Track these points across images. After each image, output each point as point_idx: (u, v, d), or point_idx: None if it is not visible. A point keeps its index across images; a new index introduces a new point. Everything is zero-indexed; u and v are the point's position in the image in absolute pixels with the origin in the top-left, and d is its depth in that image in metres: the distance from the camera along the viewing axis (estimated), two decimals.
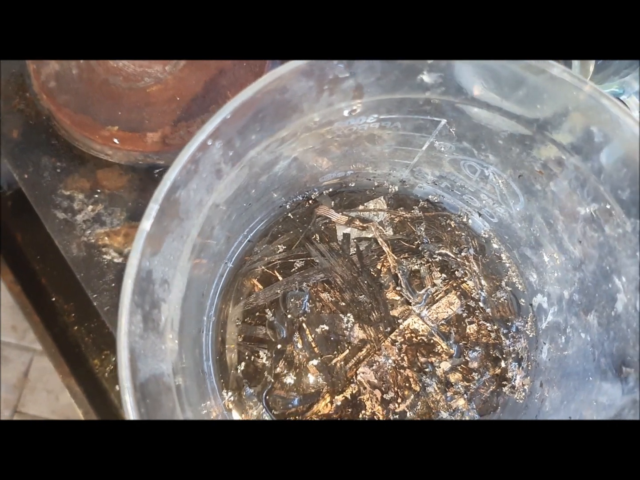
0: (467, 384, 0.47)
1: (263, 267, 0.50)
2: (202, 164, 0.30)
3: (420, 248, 0.50)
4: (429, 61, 0.32)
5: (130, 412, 0.27)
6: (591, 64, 0.64)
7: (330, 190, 0.51)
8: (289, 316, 0.48)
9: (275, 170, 0.40)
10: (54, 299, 0.66)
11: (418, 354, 0.47)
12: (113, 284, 0.52)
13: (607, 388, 0.37)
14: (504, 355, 0.48)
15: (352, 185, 0.51)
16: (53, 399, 1.15)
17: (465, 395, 0.47)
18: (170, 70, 0.53)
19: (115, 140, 0.51)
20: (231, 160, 0.32)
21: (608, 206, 0.35)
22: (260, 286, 0.49)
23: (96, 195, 0.53)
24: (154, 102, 0.52)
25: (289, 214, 0.50)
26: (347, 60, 0.31)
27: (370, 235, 0.51)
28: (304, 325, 0.48)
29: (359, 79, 0.32)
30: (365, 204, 0.51)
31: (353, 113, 0.36)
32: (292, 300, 0.48)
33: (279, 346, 0.47)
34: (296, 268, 0.49)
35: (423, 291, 0.49)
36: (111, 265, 0.52)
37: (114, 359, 0.64)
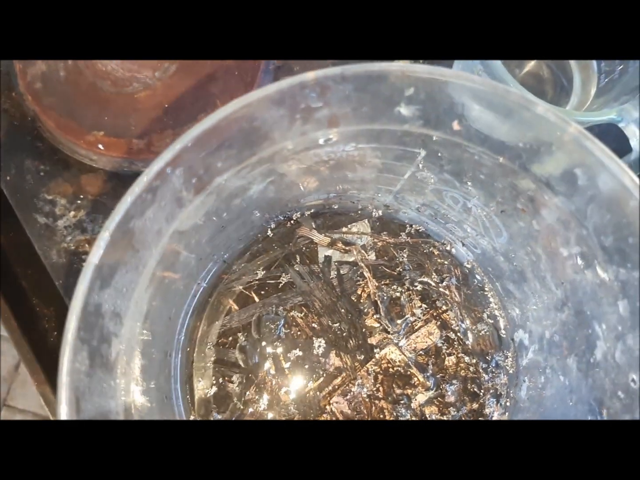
0: (443, 418, 0.45)
1: (240, 288, 0.48)
2: (161, 193, 0.29)
3: (401, 275, 0.48)
4: (407, 93, 0.30)
5: None
6: (593, 88, 0.62)
7: (313, 211, 0.49)
8: (263, 342, 0.46)
9: (249, 194, 0.38)
10: (34, 302, 0.65)
11: (394, 385, 0.46)
12: None
13: None
14: (482, 391, 0.46)
15: (336, 207, 0.49)
16: None
17: None
18: (160, 77, 0.52)
19: (100, 146, 0.50)
20: (194, 188, 0.31)
21: (591, 251, 0.33)
22: (236, 307, 0.48)
23: (79, 201, 0.52)
24: (141, 108, 0.51)
25: (269, 234, 0.49)
26: (321, 89, 0.29)
27: (352, 259, 0.49)
28: (278, 350, 0.46)
29: (333, 109, 0.31)
30: (349, 226, 0.50)
31: (329, 142, 0.34)
32: (267, 324, 0.47)
33: (250, 372, 0.45)
34: (274, 290, 0.48)
35: (402, 320, 0.47)
36: None
37: None
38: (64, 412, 0.25)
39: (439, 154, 0.36)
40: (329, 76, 0.29)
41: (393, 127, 0.33)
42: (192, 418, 0.44)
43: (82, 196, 0.52)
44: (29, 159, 0.53)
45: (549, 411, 0.41)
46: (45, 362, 0.62)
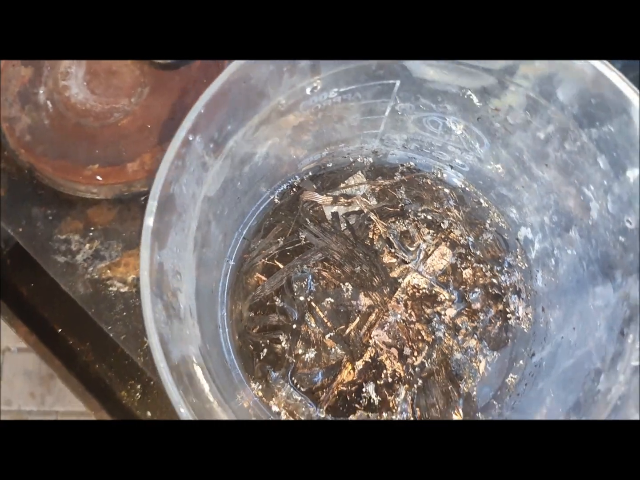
0: (474, 324, 0.50)
1: (263, 260, 0.52)
2: (188, 159, 0.33)
3: (404, 210, 0.53)
4: None
5: (172, 390, 0.29)
6: None
7: (310, 174, 0.53)
8: (298, 298, 0.50)
9: (255, 160, 0.42)
10: (70, 342, 0.68)
11: (423, 306, 0.50)
12: (124, 313, 0.54)
13: (600, 291, 0.40)
14: (502, 291, 0.51)
15: (330, 165, 0.53)
16: None
17: (475, 335, 0.49)
18: (136, 101, 0.56)
19: (98, 177, 0.54)
20: (213, 152, 0.35)
21: (563, 124, 0.38)
22: (264, 279, 0.52)
23: (91, 234, 0.55)
24: (127, 134, 0.55)
25: (277, 205, 0.53)
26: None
27: (356, 209, 0.53)
28: (313, 303, 0.50)
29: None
30: (345, 181, 0.54)
31: (315, 90, 0.39)
32: (296, 283, 0.51)
33: (294, 327, 0.49)
34: (294, 254, 0.52)
35: (415, 248, 0.51)
36: (118, 296, 0.54)
37: (139, 386, 0.66)
38: (158, 355, 0.29)
39: (412, 81, 0.40)
40: None
41: (366, 62, 0.38)
42: (251, 383, 0.48)
43: (92, 228, 0.56)
44: (35, 207, 0.56)
45: (566, 287, 0.45)
46: (95, 391, 0.65)
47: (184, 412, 0.29)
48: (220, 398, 0.34)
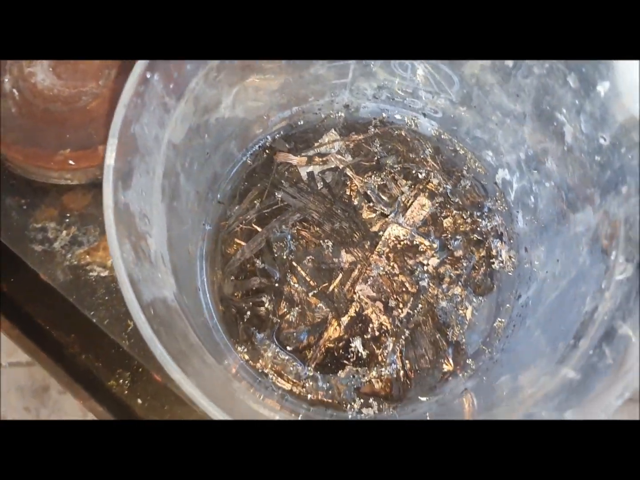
0: (458, 272, 0.49)
1: (241, 226, 0.51)
2: (148, 97, 0.32)
3: (380, 163, 0.52)
4: None
5: (144, 328, 0.28)
6: None
7: (282, 133, 0.53)
8: (279, 258, 0.49)
9: (221, 111, 0.41)
10: (55, 335, 0.67)
11: (405, 257, 0.49)
12: (106, 297, 0.53)
13: (581, 217, 0.40)
14: (484, 236, 0.50)
15: (301, 123, 0.53)
16: None
17: (459, 282, 0.49)
18: (104, 84, 0.55)
19: (71, 162, 0.53)
20: (174, 93, 0.34)
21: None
22: (243, 244, 0.51)
23: (67, 220, 0.54)
24: (97, 117, 0.54)
25: (251, 168, 0.52)
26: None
27: (332, 166, 0.52)
28: (294, 263, 0.49)
29: None
30: (319, 140, 0.53)
31: None
32: (276, 243, 0.50)
33: (276, 286, 0.48)
34: (272, 217, 0.51)
35: (394, 200, 0.51)
36: (99, 280, 0.53)
37: (127, 374, 0.65)
38: (128, 296, 0.28)
39: None
40: None
41: None
42: (237, 347, 0.47)
43: (68, 214, 0.55)
44: (7, 197, 0.55)
45: (547, 221, 0.45)
46: (83, 382, 0.64)
47: (159, 349, 0.28)
48: (199, 341, 0.33)
